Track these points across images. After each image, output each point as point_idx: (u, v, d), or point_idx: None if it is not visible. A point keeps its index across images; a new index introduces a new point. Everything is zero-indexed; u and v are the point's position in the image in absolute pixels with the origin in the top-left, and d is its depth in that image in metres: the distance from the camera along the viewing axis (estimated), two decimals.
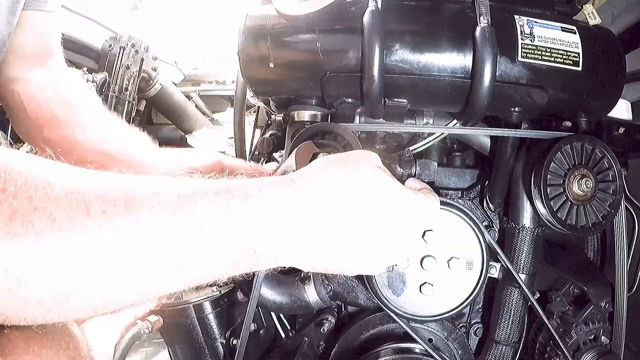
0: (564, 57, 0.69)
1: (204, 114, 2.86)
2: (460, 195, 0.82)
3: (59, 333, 0.45)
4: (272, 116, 1.07)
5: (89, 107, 0.81)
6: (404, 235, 0.47)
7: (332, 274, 0.78)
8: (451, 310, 0.71)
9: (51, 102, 0.78)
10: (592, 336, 0.83)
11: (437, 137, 0.80)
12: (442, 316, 0.71)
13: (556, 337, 0.77)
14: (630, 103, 0.87)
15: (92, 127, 0.77)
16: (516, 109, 0.72)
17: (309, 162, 0.64)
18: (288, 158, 0.65)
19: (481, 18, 0.66)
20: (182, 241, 0.36)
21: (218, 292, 0.84)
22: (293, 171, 0.63)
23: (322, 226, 0.42)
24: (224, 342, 0.83)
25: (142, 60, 2.18)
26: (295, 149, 0.65)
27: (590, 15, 0.76)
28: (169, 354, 0.87)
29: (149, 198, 0.35)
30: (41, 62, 0.81)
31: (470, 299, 0.70)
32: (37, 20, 0.79)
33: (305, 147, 0.66)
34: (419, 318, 0.71)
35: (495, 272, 0.76)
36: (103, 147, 0.76)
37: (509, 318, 0.78)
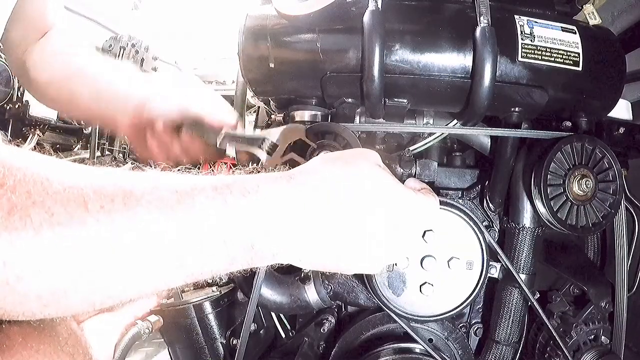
0: (564, 57, 0.69)
1: None
2: (460, 195, 0.82)
3: (57, 329, 0.45)
4: (272, 116, 1.07)
5: (83, 58, 0.86)
6: (403, 235, 0.47)
7: (332, 274, 0.78)
8: (451, 310, 0.70)
9: (52, 61, 0.84)
10: (592, 336, 0.83)
11: (437, 137, 0.80)
12: (442, 316, 0.71)
13: (556, 337, 0.77)
14: (630, 103, 0.87)
15: (87, 73, 0.82)
16: (516, 109, 0.72)
17: (290, 145, 0.64)
18: (273, 129, 0.66)
19: (481, 18, 0.66)
20: (180, 237, 0.36)
21: (218, 292, 0.84)
22: (269, 141, 0.64)
23: (321, 223, 0.42)
24: (224, 342, 0.83)
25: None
26: (285, 126, 0.65)
27: (590, 15, 0.76)
28: (169, 354, 0.87)
29: (147, 194, 0.35)
30: (42, 33, 0.87)
31: (470, 299, 0.70)
32: (38, 4, 0.84)
33: (295, 128, 0.65)
34: (419, 318, 0.71)
35: (495, 272, 0.76)
36: (98, 88, 0.80)
37: (509, 318, 0.78)
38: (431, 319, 0.72)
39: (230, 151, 0.74)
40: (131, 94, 0.79)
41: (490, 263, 0.73)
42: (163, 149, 0.78)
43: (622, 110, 0.84)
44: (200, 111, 0.76)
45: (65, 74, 0.83)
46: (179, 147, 0.77)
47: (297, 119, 0.78)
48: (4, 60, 1.83)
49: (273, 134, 0.65)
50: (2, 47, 0.86)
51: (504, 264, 0.74)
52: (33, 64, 0.85)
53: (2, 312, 0.33)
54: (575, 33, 0.70)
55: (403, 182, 0.53)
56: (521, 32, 0.68)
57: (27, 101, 2.07)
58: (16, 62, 0.88)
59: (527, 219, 0.76)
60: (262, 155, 0.65)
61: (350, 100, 0.74)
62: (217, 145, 0.72)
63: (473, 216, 0.70)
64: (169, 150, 0.78)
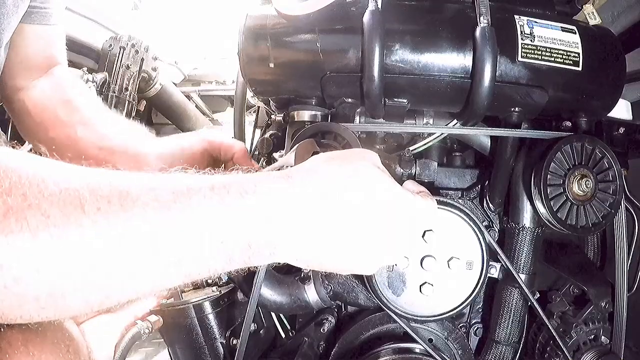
0: (564, 57, 0.69)
1: (204, 114, 2.86)
2: (460, 195, 0.82)
3: (59, 336, 0.45)
4: (272, 116, 1.07)
5: (90, 106, 0.84)
6: (400, 236, 0.47)
7: (331, 274, 0.78)
8: (451, 310, 0.70)
9: (54, 105, 0.81)
10: (592, 336, 0.83)
11: (437, 137, 0.80)
12: (442, 316, 0.71)
13: (556, 337, 0.77)
14: (630, 103, 0.87)
15: (93, 124, 0.80)
16: (516, 109, 0.72)
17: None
18: (287, 154, 0.65)
19: (481, 18, 0.66)
20: (176, 237, 0.36)
21: (218, 292, 0.84)
22: (286, 168, 0.64)
23: (319, 223, 0.42)
24: (224, 342, 0.83)
25: (142, 60, 2.18)
26: (296, 145, 0.65)
27: (590, 15, 0.76)
28: (169, 354, 0.87)
29: (144, 194, 0.35)
30: (45, 70, 0.84)
31: (470, 299, 0.70)
32: (42, 34, 0.82)
33: (307, 144, 0.65)
34: (419, 318, 0.71)
35: (495, 272, 0.76)
36: (102, 142, 0.78)
37: (509, 318, 0.78)
38: (431, 319, 0.72)
39: None
40: (142, 157, 0.77)
41: (490, 263, 0.73)
42: None
43: (622, 110, 0.84)
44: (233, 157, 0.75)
45: (69, 118, 0.80)
46: None
47: (297, 119, 0.78)
48: None
49: (288, 159, 0.65)
50: None
51: (504, 264, 0.74)
52: (32, 102, 0.82)
53: None
54: (575, 33, 0.70)
55: (403, 182, 0.53)
56: (521, 32, 0.68)
57: None
58: (9, 94, 0.85)
59: (527, 219, 0.76)
60: None
61: (350, 100, 0.74)
62: None
63: (473, 216, 0.70)
64: None
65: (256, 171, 0.70)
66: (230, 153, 0.75)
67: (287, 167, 0.64)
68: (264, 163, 1.01)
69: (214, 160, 0.76)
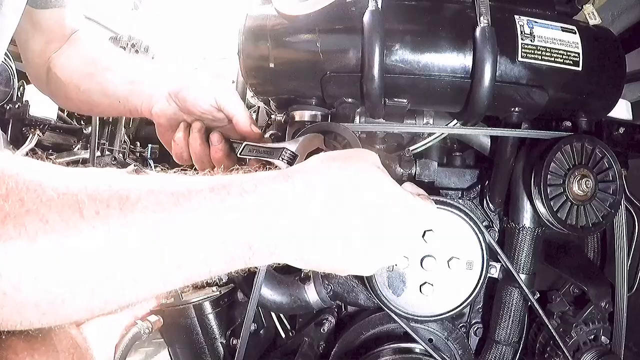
0: (564, 57, 0.69)
1: None
2: (460, 195, 0.82)
3: (64, 344, 0.45)
4: (272, 116, 1.07)
5: (110, 53, 0.89)
6: (399, 238, 0.47)
7: (332, 274, 0.78)
8: (451, 310, 0.71)
9: (79, 61, 0.86)
10: (592, 336, 0.83)
11: (437, 137, 0.80)
12: (442, 316, 0.71)
13: (556, 337, 0.77)
14: (630, 103, 0.87)
15: (116, 65, 0.84)
16: (516, 109, 0.72)
17: (310, 155, 0.65)
18: (292, 140, 0.66)
19: (481, 18, 0.66)
20: (177, 240, 0.36)
21: (218, 292, 0.84)
22: (288, 151, 0.64)
23: (318, 223, 0.42)
24: (224, 342, 0.83)
25: None
26: (304, 136, 0.65)
27: (590, 15, 0.76)
28: (169, 354, 0.87)
29: (143, 198, 0.35)
30: (64, 40, 0.88)
31: (470, 299, 0.70)
32: (59, 14, 0.85)
33: (313, 138, 0.66)
34: (419, 318, 0.71)
35: (495, 272, 0.76)
36: (132, 76, 0.82)
37: (509, 318, 0.78)
38: (431, 319, 0.72)
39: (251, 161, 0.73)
40: (168, 77, 0.80)
41: (490, 263, 0.73)
42: (188, 147, 0.78)
43: (622, 110, 0.84)
44: (232, 112, 0.76)
45: (95, 69, 0.84)
46: (205, 148, 0.76)
47: (297, 119, 0.78)
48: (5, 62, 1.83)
49: (292, 144, 0.65)
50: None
51: (504, 264, 0.74)
52: (60, 68, 0.85)
53: None
54: (575, 33, 0.70)
55: (403, 182, 0.53)
56: (521, 32, 0.68)
57: (27, 101, 2.07)
58: (37, 71, 0.89)
59: (527, 219, 0.76)
60: (282, 165, 0.65)
61: (350, 100, 0.74)
62: (238, 155, 0.72)
63: (473, 216, 0.70)
64: (196, 149, 0.77)
65: (257, 139, 0.73)
66: (234, 122, 0.76)
67: (285, 148, 0.65)
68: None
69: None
